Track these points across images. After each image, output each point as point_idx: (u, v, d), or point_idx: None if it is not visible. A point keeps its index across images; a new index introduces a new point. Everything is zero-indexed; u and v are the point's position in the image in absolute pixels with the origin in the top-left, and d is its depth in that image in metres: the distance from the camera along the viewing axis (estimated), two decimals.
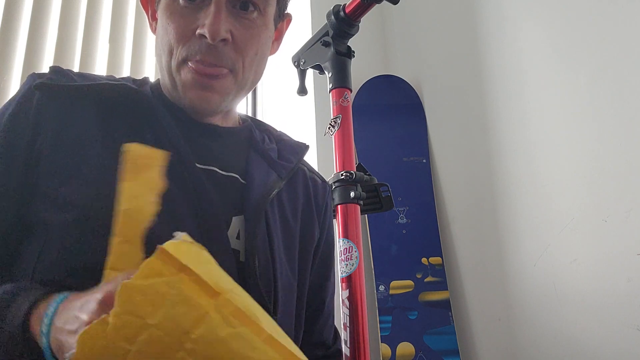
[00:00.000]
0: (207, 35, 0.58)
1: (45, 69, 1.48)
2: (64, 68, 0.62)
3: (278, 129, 0.80)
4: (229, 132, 0.69)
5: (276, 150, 0.72)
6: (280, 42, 0.77)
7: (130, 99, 0.61)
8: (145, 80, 0.70)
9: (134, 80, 0.68)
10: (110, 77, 0.66)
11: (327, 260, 0.77)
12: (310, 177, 0.77)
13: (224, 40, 0.60)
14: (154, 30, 0.68)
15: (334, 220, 0.88)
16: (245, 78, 0.65)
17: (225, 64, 0.61)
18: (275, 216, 0.65)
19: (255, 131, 0.73)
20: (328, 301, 0.77)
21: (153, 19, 0.68)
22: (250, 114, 1.41)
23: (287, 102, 1.76)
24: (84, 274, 0.48)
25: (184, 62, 0.61)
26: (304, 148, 0.77)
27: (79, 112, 0.59)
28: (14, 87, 1.43)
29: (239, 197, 0.63)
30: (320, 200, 0.76)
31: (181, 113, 0.66)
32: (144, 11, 0.71)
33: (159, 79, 0.70)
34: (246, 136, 0.72)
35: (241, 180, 0.64)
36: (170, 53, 0.62)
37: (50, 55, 1.50)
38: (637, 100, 1.07)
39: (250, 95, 1.89)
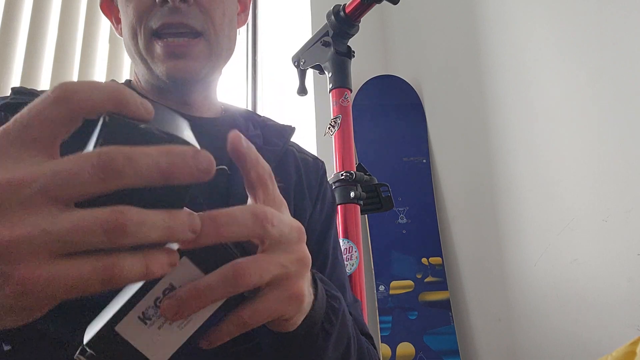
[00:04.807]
0: None
1: (45, 69, 1.49)
2: (28, 88, 0.59)
3: (262, 115, 0.77)
4: (211, 123, 0.66)
5: (261, 137, 0.69)
6: (247, 14, 0.75)
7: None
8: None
9: None
10: None
11: (324, 233, 0.69)
12: (300, 158, 0.72)
13: (185, 1, 0.58)
14: (120, 32, 0.67)
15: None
16: (219, 43, 0.62)
17: (193, 25, 0.59)
18: None
19: (238, 119, 0.71)
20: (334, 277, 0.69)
21: (117, 22, 0.67)
22: None
23: (287, 102, 1.76)
24: None
25: (151, 36, 0.59)
26: (289, 130, 0.73)
27: None
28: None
29: (225, 188, 0.61)
30: (313, 177, 0.71)
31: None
32: None
33: (131, 80, 0.69)
34: (229, 125, 0.68)
35: (228, 172, 0.62)
36: (136, 34, 0.60)
37: (50, 55, 1.50)
38: (639, 101, 1.07)
39: (250, 95, 1.89)
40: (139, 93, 0.62)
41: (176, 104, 0.63)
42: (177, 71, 0.59)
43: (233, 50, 0.67)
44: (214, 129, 0.64)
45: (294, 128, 0.74)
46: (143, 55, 0.60)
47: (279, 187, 0.37)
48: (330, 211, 0.71)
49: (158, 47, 0.58)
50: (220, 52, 0.62)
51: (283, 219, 0.33)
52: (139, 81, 0.66)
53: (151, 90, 0.64)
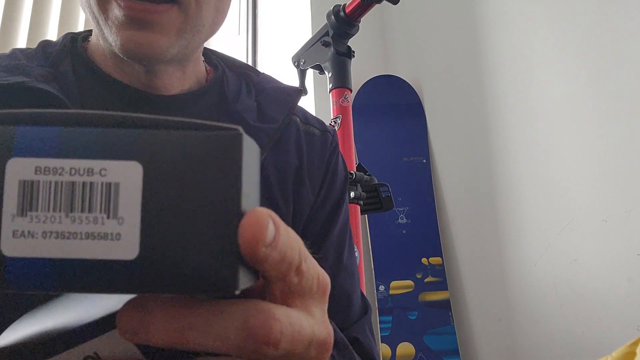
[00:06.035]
0: None
1: None
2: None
3: (261, 72, 0.60)
4: (188, 101, 0.52)
5: (255, 110, 0.54)
6: None
7: (32, 101, 0.44)
8: (63, 50, 0.51)
9: (46, 56, 0.50)
10: (12, 60, 0.48)
11: (326, 227, 0.56)
12: (304, 131, 0.57)
13: None
14: None
15: None
16: (201, 15, 0.46)
17: None
18: None
19: (227, 84, 0.56)
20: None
21: None
22: None
23: None
24: None
25: None
26: (293, 95, 0.57)
27: None
28: None
29: None
30: (318, 157, 0.57)
31: (123, 89, 0.49)
32: None
33: (89, 37, 0.54)
34: (213, 98, 0.54)
35: None
36: None
37: None
38: (639, 101, 1.07)
39: None
40: (97, 67, 0.51)
41: (141, 82, 0.50)
42: (136, 46, 0.43)
43: (222, 22, 0.51)
44: (194, 109, 0.52)
45: (300, 91, 0.58)
46: (97, 18, 0.45)
47: None
48: (337, 198, 0.58)
49: (115, 7, 0.43)
50: (200, 26, 0.47)
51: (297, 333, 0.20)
52: (97, 43, 0.50)
53: (110, 58, 0.50)
